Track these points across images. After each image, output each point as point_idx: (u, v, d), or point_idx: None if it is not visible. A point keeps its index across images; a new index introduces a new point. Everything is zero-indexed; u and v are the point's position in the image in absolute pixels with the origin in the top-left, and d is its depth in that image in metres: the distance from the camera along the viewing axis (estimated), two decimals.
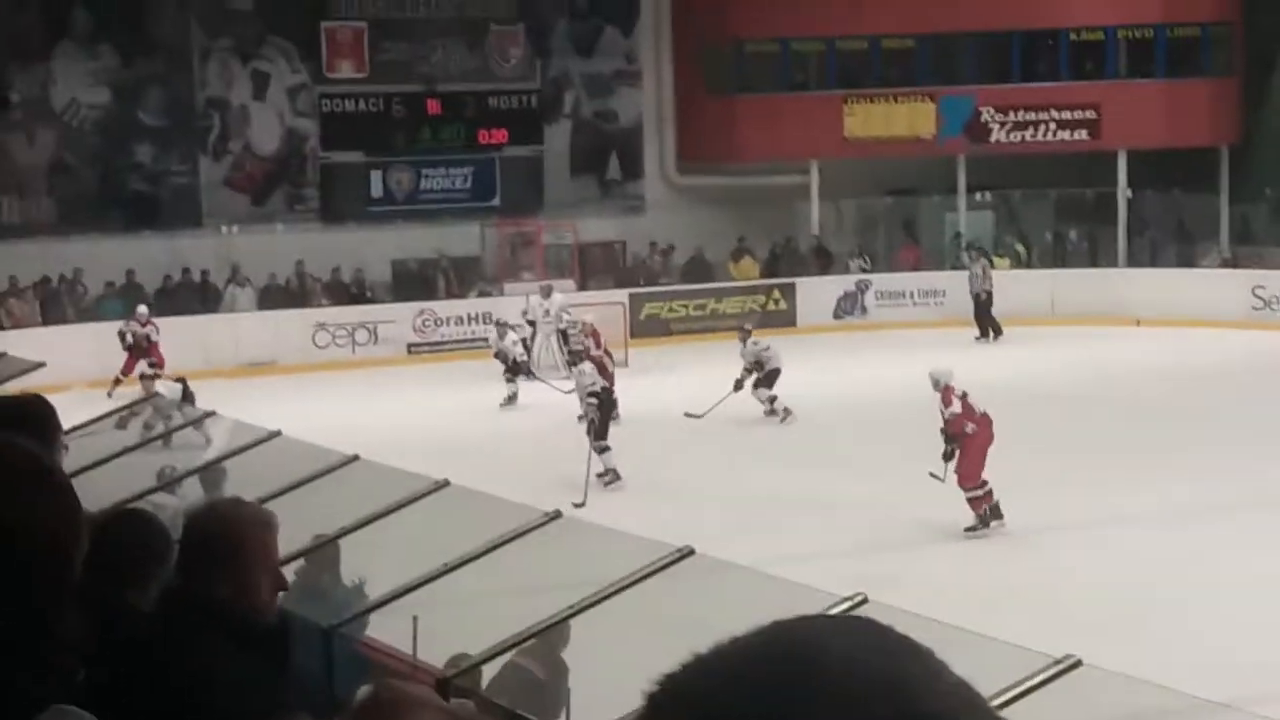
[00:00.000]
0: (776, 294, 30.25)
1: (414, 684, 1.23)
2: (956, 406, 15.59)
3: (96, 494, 7.64)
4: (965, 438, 15.40)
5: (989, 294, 28.27)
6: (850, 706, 1.02)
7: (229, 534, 3.67)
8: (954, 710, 1.04)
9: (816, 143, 31.27)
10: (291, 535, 9.02)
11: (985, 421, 15.56)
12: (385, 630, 8.30)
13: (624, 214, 32.45)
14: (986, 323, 28.14)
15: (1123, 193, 31.40)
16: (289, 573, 8.94)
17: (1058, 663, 6.02)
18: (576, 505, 15.36)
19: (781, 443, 19.57)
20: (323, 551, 8.89)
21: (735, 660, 1.07)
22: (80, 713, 2.73)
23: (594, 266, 30.82)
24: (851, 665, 1.04)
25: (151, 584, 3.82)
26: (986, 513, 15.23)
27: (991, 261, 29.64)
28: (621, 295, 28.46)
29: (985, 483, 15.28)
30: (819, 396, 22.68)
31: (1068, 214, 32.55)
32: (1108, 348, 26.22)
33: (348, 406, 22.20)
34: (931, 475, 15.43)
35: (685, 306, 29.68)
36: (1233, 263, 29.96)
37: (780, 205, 32.00)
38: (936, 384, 15.97)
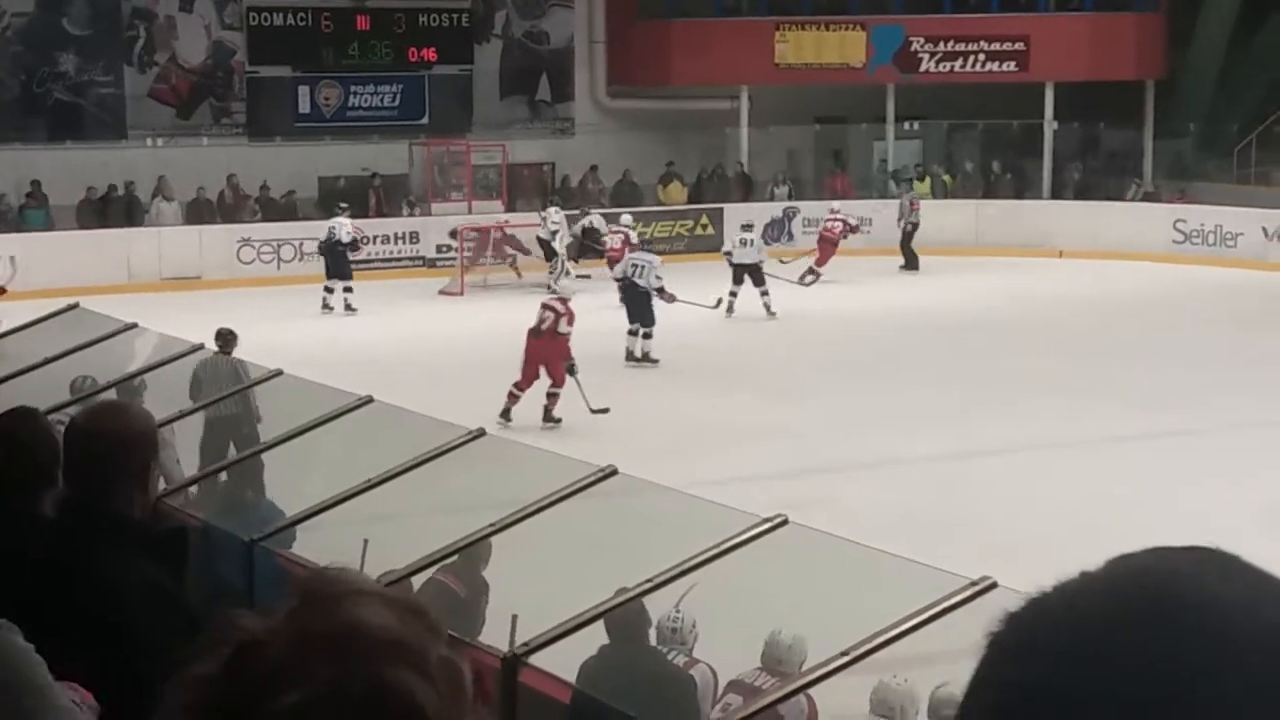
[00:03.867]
0: (704, 219, 30.27)
1: (352, 570, 1.18)
2: None
3: (10, 405, 7.60)
4: None
5: (915, 226, 28.39)
6: (1231, 653, 0.91)
7: (115, 440, 3.62)
8: None
9: (747, 69, 31.24)
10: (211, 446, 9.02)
11: None
12: (309, 546, 8.32)
13: (553, 136, 32.33)
14: (908, 254, 28.27)
15: (1049, 125, 31.60)
16: (213, 485, 8.97)
17: (973, 584, 6.08)
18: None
19: (708, 368, 19.65)
20: (246, 466, 8.88)
21: (1094, 601, 0.95)
22: (8, 625, 2.74)
23: (523, 188, 30.71)
24: (1227, 604, 0.93)
25: (46, 486, 3.78)
26: None
27: (914, 193, 29.78)
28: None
29: None
30: (741, 322, 22.79)
31: (994, 145, 32.73)
32: (1030, 279, 26.46)
33: (272, 323, 22.08)
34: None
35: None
36: (1155, 196, 30.26)
37: (710, 131, 31.98)
38: None
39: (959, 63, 31.25)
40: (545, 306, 17.26)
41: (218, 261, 27.07)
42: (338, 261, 24.39)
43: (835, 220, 26.62)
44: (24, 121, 28.58)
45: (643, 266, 20.15)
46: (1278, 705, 0.90)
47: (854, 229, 27.36)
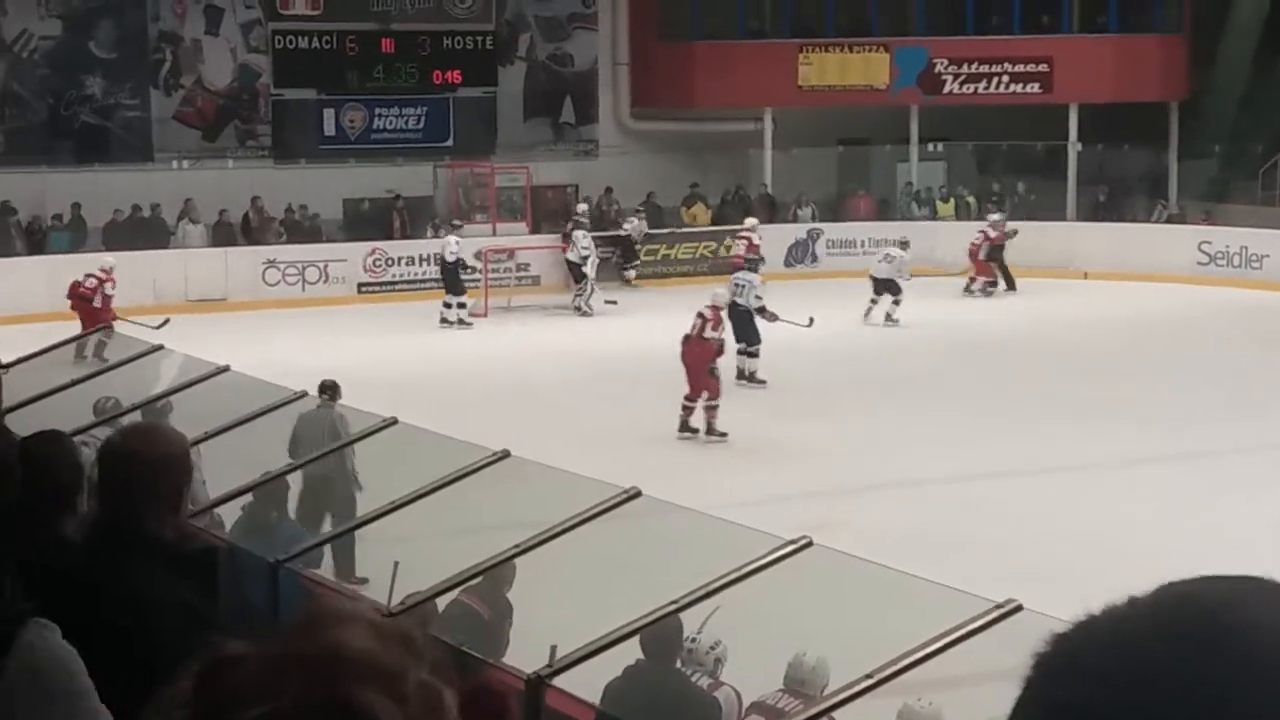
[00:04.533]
0: (728, 241, 30.26)
1: (349, 600, 1.19)
2: None
3: (36, 427, 7.64)
4: None
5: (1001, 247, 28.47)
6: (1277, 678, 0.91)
7: (149, 462, 3.64)
8: None
9: (771, 91, 31.26)
10: (240, 470, 9.06)
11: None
12: (333, 566, 8.35)
13: (577, 158, 32.39)
14: (1005, 271, 28.28)
15: (1073, 146, 31.55)
16: (235, 507, 9.00)
17: (999, 607, 6.07)
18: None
19: (733, 389, 19.64)
20: (270, 487, 8.91)
21: (1141, 625, 0.96)
22: (53, 625, 2.77)
23: (546, 209, 30.75)
24: (1271, 633, 0.93)
25: (72, 510, 3.81)
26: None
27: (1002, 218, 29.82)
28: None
29: None
30: (770, 342, 22.78)
31: (1018, 166, 32.68)
32: (1055, 300, 26.40)
33: (297, 344, 22.15)
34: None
35: (613, 253, 29.62)
36: (1180, 218, 30.18)
37: (734, 153, 32.00)
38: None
39: (983, 84, 31.23)
40: (699, 314, 17.77)
41: (243, 283, 27.15)
42: (449, 277, 25.04)
43: (980, 235, 27.52)
44: (51, 144, 28.73)
45: (744, 286, 20.22)
46: None
47: (996, 241, 27.75)
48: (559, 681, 6.43)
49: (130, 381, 10.20)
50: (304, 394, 9.47)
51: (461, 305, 24.91)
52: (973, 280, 27.62)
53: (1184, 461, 15.67)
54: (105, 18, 29.15)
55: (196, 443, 9.01)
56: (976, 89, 31.26)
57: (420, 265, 28.33)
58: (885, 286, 24.75)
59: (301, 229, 28.85)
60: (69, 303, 22.23)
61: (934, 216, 31.26)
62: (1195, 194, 31.35)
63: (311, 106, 30.50)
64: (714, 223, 30.96)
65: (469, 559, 7.71)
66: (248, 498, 8.95)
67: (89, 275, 22.33)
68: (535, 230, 29.37)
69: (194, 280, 26.93)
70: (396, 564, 7.93)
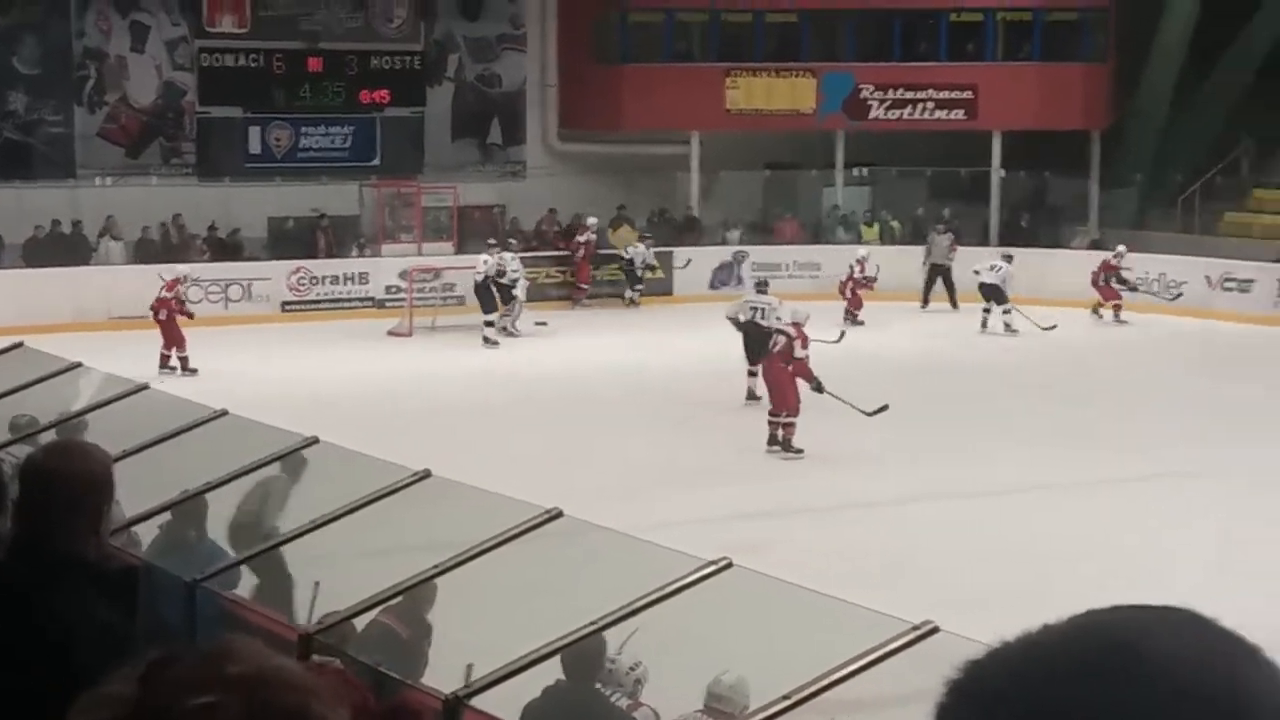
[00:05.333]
0: (656, 263, 30.33)
1: (256, 642, 1.19)
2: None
3: None
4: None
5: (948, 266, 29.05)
6: (1178, 708, 0.92)
7: (71, 480, 3.61)
8: None
9: (698, 114, 31.39)
10: (158, 489, 8.98)
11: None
12: (252, 586, 8.29)
13: (504, 178, 32.39)
14: (952, 292, 28.78)
15: (996, 173, 31.86)
16: (153, 526, 8.92)
17: (915, 629, 6.11)
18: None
19: (653, 411, 19.67)
20: (189, 506, 8.84)
21: (1046, 652, 0.97)
22: None
23: (473, 229, 30.71)
24: (1178, 662, 0.94)
25: None
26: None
27: (956, 235, 30.14)
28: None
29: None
30: (693, 365, 22.85)
31: (942, 192, 32.95)
32: (978, 324, 26.60)
33: (218, 363, 22.00)
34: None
35: (564, 272, 29.69)
36: (1101, 245, 30.48)
37: (661, 175, 32.09)
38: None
39: (908, 110, 31.50)
40: (778, 331, 17.93)
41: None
42: (481, 296, 25.29)
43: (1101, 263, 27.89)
44: None
45: (763, 309, 20.36)
46: None
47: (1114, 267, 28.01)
48: (478, 702, 6.40)
49: (46, 399, 10.10)
50: (224, 412, 9.40)
51: (488, 324, 25.00)
52: (1099, 306, 27.90)
53: (1107, 487, 15.80)
54: (29, 34, 28.90)
55: (115, 461, 8.93)
56: (902, 115, 31.52)
57: (345, 284, 28.23)
58: (992, 292, 26.31)
59: (225, 246, 28.67)
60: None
61: (859, 241, 31.49)
62: (1116, 221, 31.69)
63: (237, 124, 30.34)
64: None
65: (389, 579, 7.68)
66: (165, 516, 8.87)
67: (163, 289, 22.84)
68: (461, 250, 29.32)
69: (116, 298, 26.68)
70: (317, 584, 7.88)
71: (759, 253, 30.88)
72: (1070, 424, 18.60)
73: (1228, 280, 27.97)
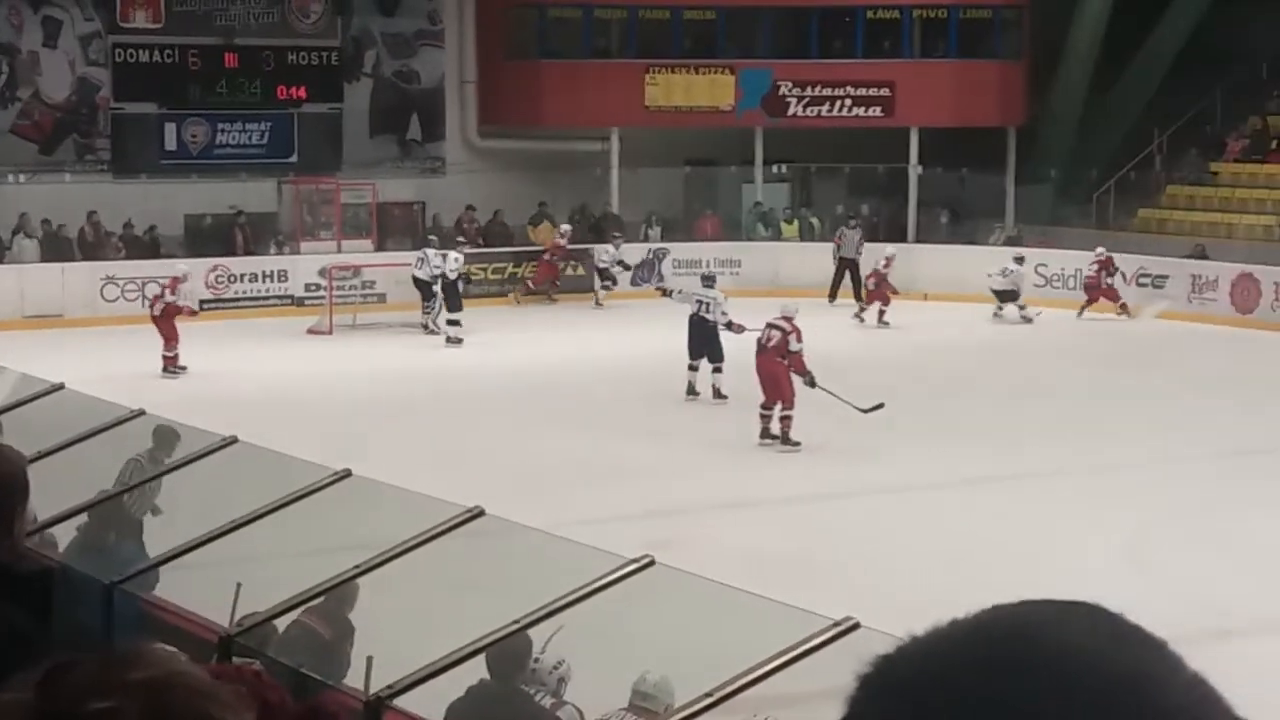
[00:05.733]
0: (574, 260, 30.33)
1: (163, 648, 1.19)
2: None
3: None
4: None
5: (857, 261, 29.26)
6: (1082, 700, 0.93)
7: None
8: (1191, 706, 0.96)
9: (617, 110, 31.41)
10: (75, 490, 8.89)
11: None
12: (171, 589, 8.21)
13: (424, 175, 32.26)
14: (858, 287, 28.80)
15: (913, 169, 32.08)
16: (70, 528, 8.83)
17: (836, 625, 6.14)
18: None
19: (574, 408, 19.67)
20: (105, 507, 8.76)
21: (953, 645, 0.99)
22: None
23: (392, 227, 30.59)
24: (1083, 656, 0.96)
25: None
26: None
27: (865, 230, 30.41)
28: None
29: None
30: (615, 361, 22.88)
31: (860, 189, 33.13)
32: (896, 321, 26.76)
33: (135, 362, 21.79)
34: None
35: (484, 270, 29.61)
36: (1017, 241, 30.76)
37: (581, 172, 32.08)
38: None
39: (826, 107, 31.65)
40: (771, 325, 17.81)
41: (80, 299, 26.67)
42: (447, 293, 25.13)
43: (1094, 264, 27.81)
44: None
45: (708, 302, 20.33)
46: None
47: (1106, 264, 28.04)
48: (403, 702, 6.39)
49: None
50: (141, 412, 9.32)
51: (456, 323, 24.83)
52: (1121, 308, 27.73)
53: (1023, 481, 15.95)
54: None
55: (29, 462, 8.83)
56: (820, 112, 31.66)
57: (264, 282, 28.04)
58: (1007, 297, 27.22)
59: (141, 244, 28.40)
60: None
61: (778, 237, 31.61)
62: (1032, 218, 31.99)
63: (152, 121, 30.04)
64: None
65: (310, 579, 7.64)
66: (83, 518, 8.79)
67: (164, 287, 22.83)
68: (381, 248, 29.19)
69: (30, 296, 26.39)
70: (239, 585, 7.82)
71: (679, 249, 30.93)
72: (982, 420, 18.75)
73: (1142, 276, 28.29)
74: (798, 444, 17.34)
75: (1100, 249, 27.91)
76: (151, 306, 22.56)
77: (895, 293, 27.06)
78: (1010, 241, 30.63)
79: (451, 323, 24.78)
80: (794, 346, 17.57)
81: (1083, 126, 32.14)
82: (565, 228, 30.09)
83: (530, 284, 29.50)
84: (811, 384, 17.57)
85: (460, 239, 27.45)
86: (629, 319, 27.07)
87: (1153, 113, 31.64)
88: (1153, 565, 13.25)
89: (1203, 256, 28.27)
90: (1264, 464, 16.62)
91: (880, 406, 17.79)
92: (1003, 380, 21.77)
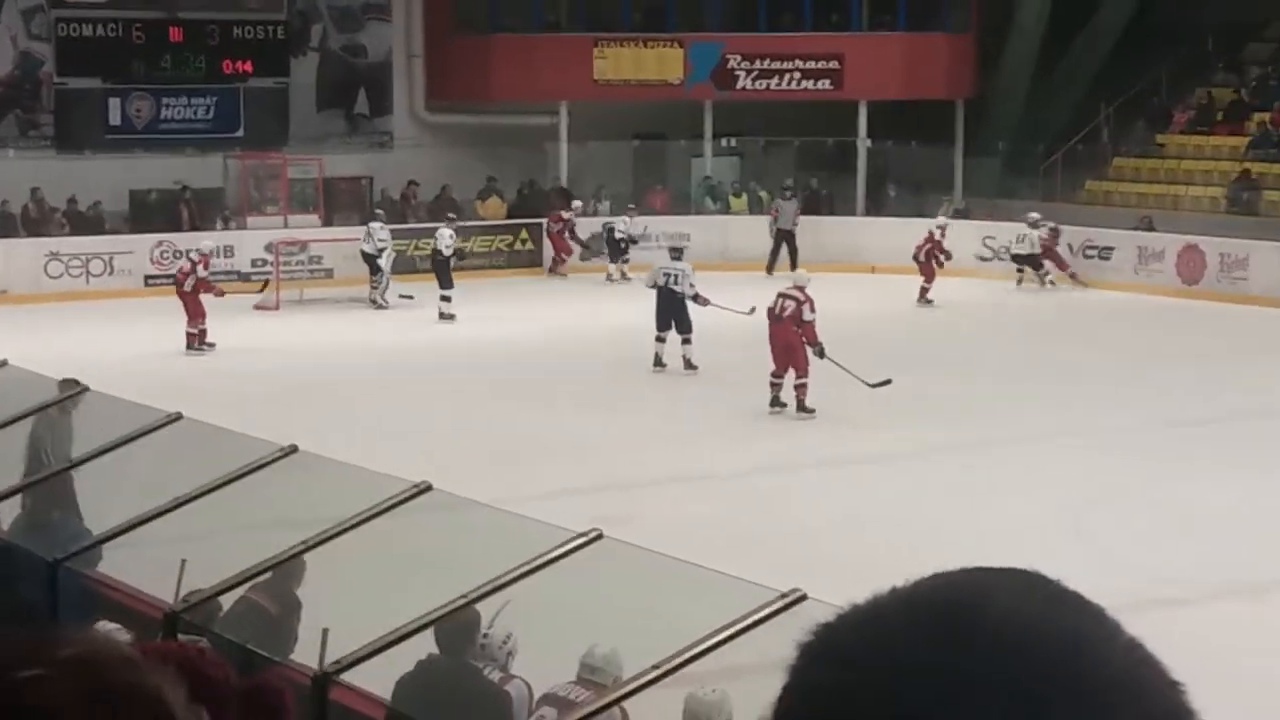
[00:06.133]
0: (524, 234, 30.27)
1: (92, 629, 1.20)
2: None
3: None
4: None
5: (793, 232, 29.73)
6: (1019, 665, 0.95)
7: None
8: (1128, 670, 0.97)
9: (566, 84, 31.31)
10: (18, 466, 8.83)
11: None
12: (117, 565, 8.17)
13: (372, 150, 32.11)
14: (794, 257, 28.97)
15: (862, 143, 32.12)
16: (14, 505, 8.77)
17: (783, 596, 6.16)
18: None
19: (523, 381, 19.64)
20: (51, 484, 8.70)
21: (892, 612, 1.00)
22: None
23: (340, 202, 30.44)
24: (1020, 621, 0.97)
25: None
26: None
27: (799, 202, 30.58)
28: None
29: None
30: (563, 334, 22.86)
31: (809, 162, 33.16)
32: (844, 293, 26.79)
33: (80, 338, 21.64)
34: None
35: (431, 244, 29.46)
36: (965, 213, 30.86)
37: (530, 146, 31.97)
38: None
39: (775, 80, 31.65)
40: (784, 295, 18.03)
41: (24, 276, 26.46)
42: (438, 270, 24.92)
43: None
44: None
45: (676, 274, 20.43)
46: (1045, 713, 0.94)
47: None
48: (351, 677, 6.37)
49: None
50: (85, 389, 9.25)
51: (445, 299, 24.62)
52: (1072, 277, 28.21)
53: (969, 451, 16.03)
54: None
55: None
56: (769, 85, 31.66)
57: (210, 257, 27.82)
58: (1028, 261, 27.65)
59: (85, 220, 28.18)
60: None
61: (727, 211, 31.61)
62: (980, 191, 32.10)
63: (96, 96, 29.78)
64: (509, 216, 30.91)
65: (257, 555, 7.62)
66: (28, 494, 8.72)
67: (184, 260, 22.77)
68: (328, 223, 29.04)
69: None
70: (184, 562, 7.79)
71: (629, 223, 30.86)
72: (923, 391, 18.81)
73: (1089, 248, 28.44)
74: (812, 411, 17.57)
75: (1034, 215, 28.14)
76: (180, 281, 22.22)
77: (942, 256, 26.77)
78: (958, 214, 30.69)
79: (444, 299, 24.61)
80: (807, 316, 17.81)
81: (1030, 99, 32.26)
82: (577, 204, 30.09)
83: (563, 257, 29.57)
84: (821, 354, 17.74)
85: (450, 215, 27.35)
86: (581, 290, 27.03)
87: (1100, 85, 31.78)
88: (1096, 534, 13.35)
89: (1149, 228, 28.43)
90: (1209, 433, 16.78)
91: (888, 382, 17.97)
92: (948, 352, 21.83)
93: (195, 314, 21.77)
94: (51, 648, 1.20)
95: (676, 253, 21.74)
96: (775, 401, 17.78)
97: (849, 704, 0.97)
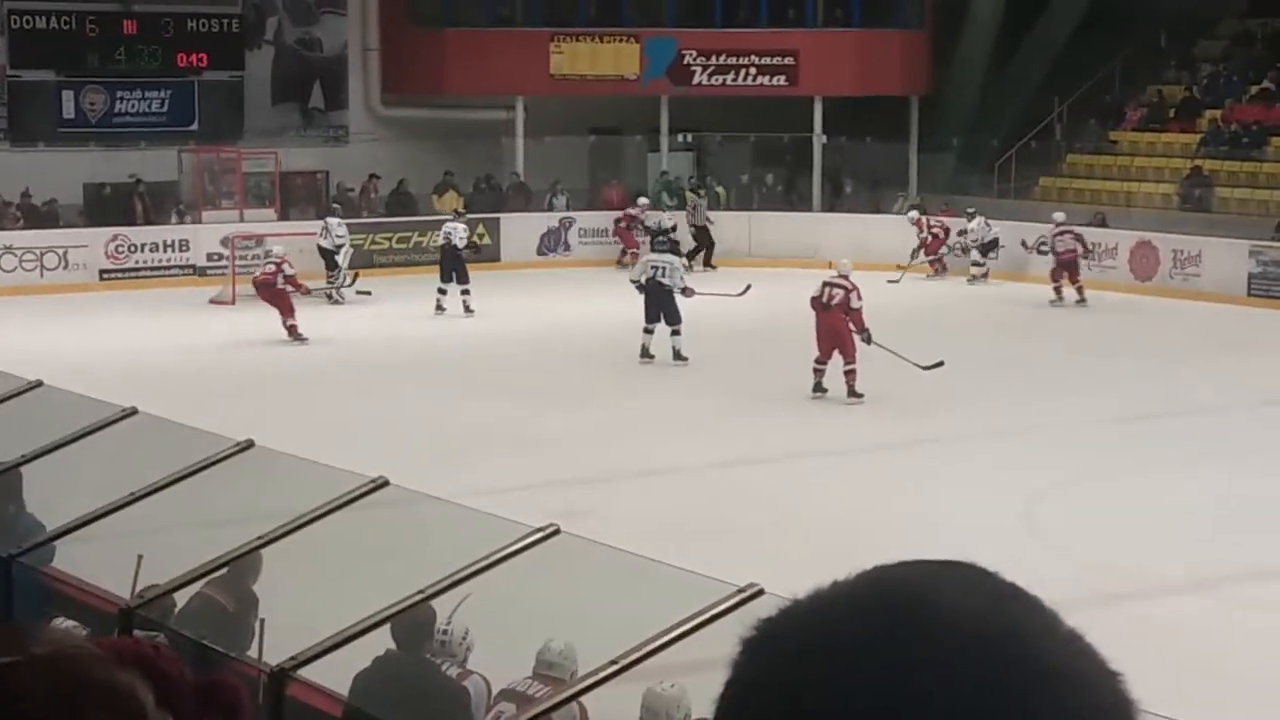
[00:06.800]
0: (481, 229, 30.21)
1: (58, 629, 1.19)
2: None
3: None
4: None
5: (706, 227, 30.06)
6: (960, 656, 0.95)
7: None
8: (1068, 661, 0.98)
9: (522, 79, 31.29)
10: None
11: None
12: (70, 561, 8.13)
13: (327, 144, 32.01)
14: (710, 251, 29.64)
15: (818, 139, 32.20)
16: None
17: (741, 591, 6.17)
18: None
19: (482, 376, 19.63)
20: (3, 480, 8.65)
21: (833, 606, 1.00)
22: None
23: (295, 196, 30.34)
24: (961, 613, 0.97)
25: None
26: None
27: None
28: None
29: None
30: (522, 331, 22.86)
31: (765, 158, 33.23)
32: (800, 289, 26.84)
33: (34, 333, 21.51)
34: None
35: (388, 239, 29.44)
36: (920, 209, 30.96)
37: (486, 141, 31.94)
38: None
39: (730, 76, 31.69)
40: (830, 284, 18.35)
41: None
42: (455, 264, 24.70)
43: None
44: None
45: (664, 267, 20.56)
46: (986, 703, 0.95)
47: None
48: (307, 673, 6.36)
49: None
50: (39, 384, 9.20)
51: (466, 292, 24.51)
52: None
53: (925, 446, 16.10)
54: None
55: None
56: (725, 80, 31.70)
57: (165, 252, 27.73)
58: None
59: (40, 214, 28.01)
60: (257, 295, 22.96)
61: (683, 207, 31.65)
62: (935, 186, 32.23)
63: (50, 88, 29.60)
64: (465, 210, 30.84)
65: (213, 551, 7.58)
66: None
67: (267, 263, 23.05)
68: (284, 217, 28.93)
69: None
70: (140, 557, 7.75)
71: (585, 218, 30.90)
72: (885, 386, 18.88)
73: (1042, 244, 28.58)
74: (861, 396, 17.86)
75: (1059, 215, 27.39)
76: (269, 282, 22.45)
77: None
78: (914, 209, 30.79)
79: (464, 292, 24.51)
80: (855, 304, 18.15)
81: (984, 95, 32.42)
82: (643, 200, 30.29)
83: (633, 252, 29.36)
84: (868, 340, 18.05)
85: (459, 210, 27.31)
86: (537, 285, 27.01)
87: (1053, 82, 31.96)
88: (1051, 529, 13.43)
89: (1102, 224, 28.59)
90: (1162, 428, 16.90)
91: (940, 364, 18.36)
92: (905, 348, 21.89)
93: (287, 310, 22.23)
94: (24, 645, 1.20)
95: (663, 245, 21.85)
96: (818, 387, 18.12)
97: (791, 698, 0.97)
